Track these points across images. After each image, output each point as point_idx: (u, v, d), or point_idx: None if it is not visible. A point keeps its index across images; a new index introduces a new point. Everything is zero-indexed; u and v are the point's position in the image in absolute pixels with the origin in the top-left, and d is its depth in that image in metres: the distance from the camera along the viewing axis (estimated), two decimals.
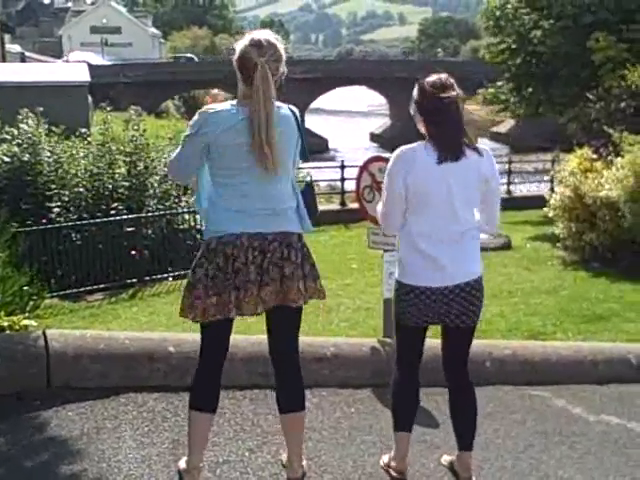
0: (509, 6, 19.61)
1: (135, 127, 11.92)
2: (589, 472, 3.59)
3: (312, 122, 54.70)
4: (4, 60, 32.30)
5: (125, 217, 10.39)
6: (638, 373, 4.97)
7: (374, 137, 54.13)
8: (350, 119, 71.60)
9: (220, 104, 3.08)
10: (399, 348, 3.39)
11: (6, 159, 11.19)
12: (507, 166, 19.72)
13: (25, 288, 5.06)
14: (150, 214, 10.84)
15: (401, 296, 3.23)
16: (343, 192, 16.64)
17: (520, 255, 10.51)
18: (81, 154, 11.75)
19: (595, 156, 9.90)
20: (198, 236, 10.43)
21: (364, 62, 70.59)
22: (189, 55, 59.76)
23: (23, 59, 43.26)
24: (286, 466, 3.30)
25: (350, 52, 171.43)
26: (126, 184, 11.17)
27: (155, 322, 7.24)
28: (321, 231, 13.33)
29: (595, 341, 5.59)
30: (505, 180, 19.59)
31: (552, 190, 12.32)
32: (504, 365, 4.69)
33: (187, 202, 11.32)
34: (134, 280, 9.98)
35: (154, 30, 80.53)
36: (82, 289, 9.55)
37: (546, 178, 19.09)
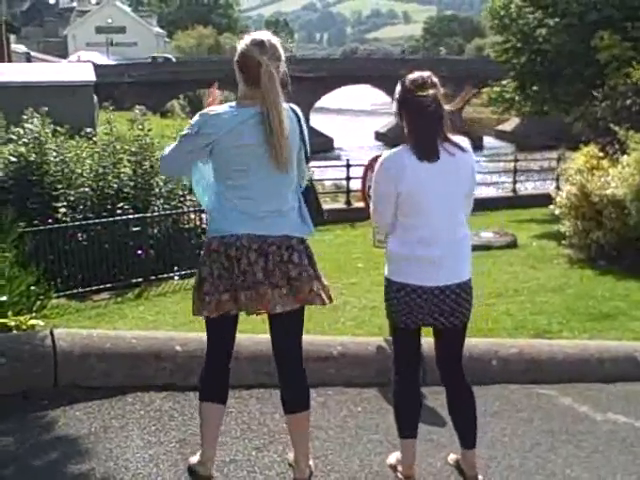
0: (513, 5, 19.58)
1: (140, 126, 11.93)
2: (596, 471, 3.59)
3: (317, 121, 54.71)
4: (10, 60, 32.41)
5: (131, 217, 10.41)
6: None
7: (379, 136, 54.08)
8: (355, 118, 71.58)
9: (220, 106, 3.07)
10: (395, 349, 3.37)
11: (12, 159, 11.21)
12: (513, 164, 19.67)
13: (32, 288, 5.07)
14: (156, 214, 10.85)
15: (391, 294, 3.20)
16: (348, 191, 16.63)
17: (526, 253, 10.49)
18: (86, 154, 11.77)
19: (601, 154, 9.88)
20: (203, 235, 10.43)
21: (368, 60, 70.53)
22: (167, 55, 59.56)
23: (28, 59, 43.44)
24: (293, 466, 3.29)
25: (355, 51, 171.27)
26: (132, 184, 11.19)
27: (161, 321, 7.25)
28: (326, 230, 13.31)
29: (601, 339, 5.57)
30: (511, 179, 19.56)
31: (558, 188, 12.30)
32: (510, 364, 4.68)
33: (192, 201, 11.33)
34: (140, 279, 9.99)
35: (159, 29, 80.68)
36: (88, 289, 9.56)
37: (552, 176, 19.04)
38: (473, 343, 4.81)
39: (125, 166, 11.39)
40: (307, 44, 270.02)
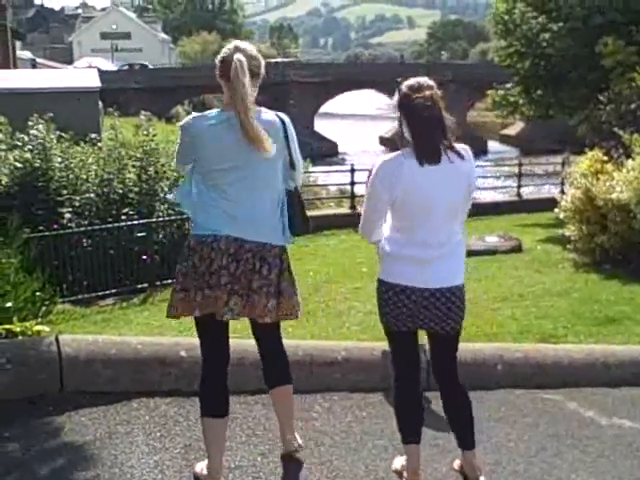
0: (517, 10, 19.58)
1: (145, 132, 11.96)
2: (602, 475, 3.58)
3: (321, 126, 54.78)
4: (15, 66, 32.52)
5: (136, 222, 10.43)
6: None
7: (383, 140, 54.12)
8: (359, 123, 71.58)
9: (201, 113, 3.20)
10: (392, 353, 3.37)
11: (18, 165, 11.23)
12: (517, 169, 19.64)
13: (37, 294, 5.09)
14: (160, 219, 10.87)
15: (381, 294, 3.20)
16: (353, 196, 16.60)
17: (531, 258, 10.46)
18: (91, 159, 11.80)
19: (606, 158, 9.86)
20: None
21: (373, 65, 70.71)
22: (143, 62, 59.68)
23: (34, 65, 43.58)
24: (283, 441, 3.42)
25: (359, 56, 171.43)
26: (136, 189, 11.20)
27: (167, 327, 7.24)
28: (331, 235, 13.33)
29: (607, 344, 5.55)
30: (515, 183, 19.54)
31: (562, 192, 12.29)
32: (515, 368, 4.67)
33: None
34: (145, 285, 10.00)
35: (164, 35, 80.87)
36: (94, 294, 9.57)
37: (556, 180, 19.00)
38: (478, 348, 4.81)
39: (130, 172, 11.41)
40: (311, 49, 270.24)
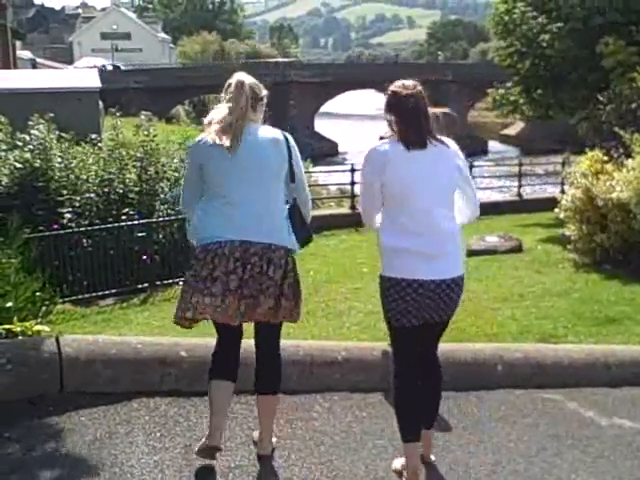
0: (516, 11, 19.56)
1: (145, 132, 11.96)
2: (602, 476, 3.58)
3: (322, 126, 54.79)
4: (15, 66, 32.53)
5: (136, 222, 10.43)
6: None
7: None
8: (359, 122, 71.53)
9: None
10: (393, 350, 3.39)
11: (18, 165, 11.23)
12: (517, 169, 19.63)
13: (37, 294, 5.08)
14: (161, 219, 10.87)
15: (385, 291, 3.22)
16: (353, 196, 16.60)
17: (531, 258, 10.46)
18: (92, 160, 11.80)
19: (606, 158, 9.85)
20: None
21: (373, 65, 70.64)
22: (116, 64, 59.76)
23: (34, 65, 43.58)
24: (256, 443, 3.48)
25: (359, 55, 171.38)
26: (137, 189, 11.21)
27: (167, 327, 7.24)
28: (331, 235, 13.34)
29: (607, 344, 5.56)
30: (516, 183, 19.53)
31: (563, 192, 12.29)
32: (515, 368, 4.67)
33: None
34: (145, 285, 10.00)
35: (164, 35, 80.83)
36: (94, 294, 9.57)
37: (556, 180, 18.99)
38: (478, 348, 4.82)
39: (130, 172, 11.41)
40: (312, 49, 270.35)
